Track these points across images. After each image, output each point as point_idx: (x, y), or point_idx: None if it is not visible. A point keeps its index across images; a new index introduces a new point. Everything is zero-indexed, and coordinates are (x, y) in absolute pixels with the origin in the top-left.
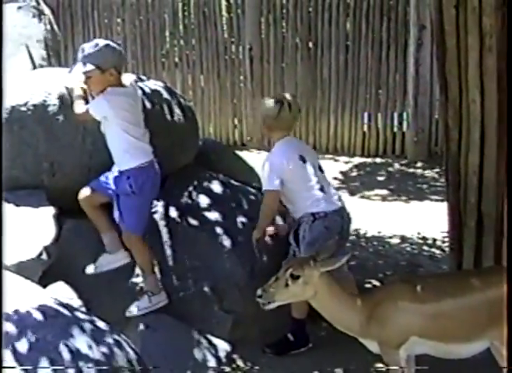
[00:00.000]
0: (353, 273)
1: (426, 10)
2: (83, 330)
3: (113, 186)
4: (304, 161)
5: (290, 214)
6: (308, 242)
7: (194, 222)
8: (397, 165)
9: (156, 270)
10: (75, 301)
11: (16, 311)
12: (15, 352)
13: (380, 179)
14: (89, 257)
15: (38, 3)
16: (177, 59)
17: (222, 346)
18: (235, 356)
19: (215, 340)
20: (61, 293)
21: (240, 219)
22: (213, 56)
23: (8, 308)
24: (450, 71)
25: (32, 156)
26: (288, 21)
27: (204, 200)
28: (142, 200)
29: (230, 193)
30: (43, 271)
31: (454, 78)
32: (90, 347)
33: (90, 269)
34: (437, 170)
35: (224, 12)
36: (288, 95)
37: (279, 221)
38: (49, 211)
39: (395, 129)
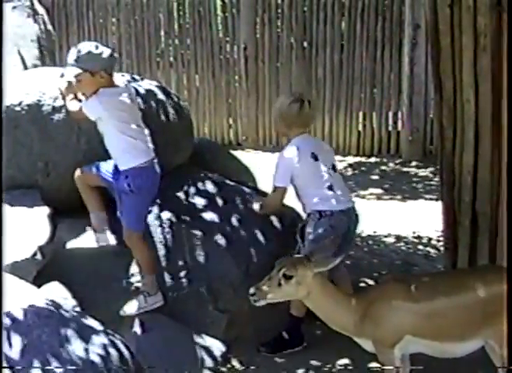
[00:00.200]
0: (348, 273)
1: (420, 10)
2: (78, 330)
3: (114, 183)
4: (316, 158)
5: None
6: (312, 240)
7: (188, 222)
8: (392, 165)
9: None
10: (70, 301)
11: (11, 311)
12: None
13: (375, 178)
14: (84, 257)
15: (32, 3)
16: (171, 59)
17: (217, 346)
18: (230, 355)
19: (210, 340)
20: (56, 293)
21: (235, 219)
22: (208, 55)
23: (3, 308)
24: (444, 70)
25: (26, 156)
26: (283, 21)
27: (198, 200)
28: (141, 198)
29: (225, 193)
30: (38, 271)
31: (449, 78)
32: (85, 347)
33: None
34: (432, 169)
35: (219, 12)
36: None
37: (275, 220)
38: (43, 211)
39: (390, 128)
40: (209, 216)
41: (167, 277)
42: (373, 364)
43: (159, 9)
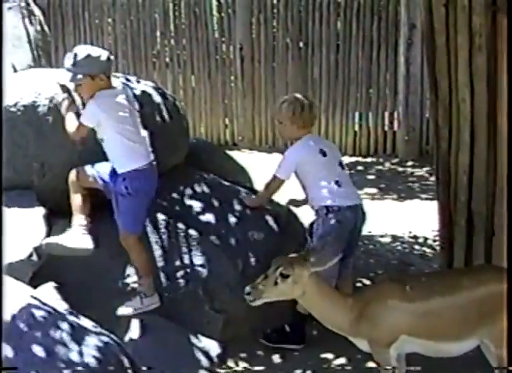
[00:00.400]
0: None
1: (416, 9)
2: (73, 331)
3: (112, 185)
4: (325, 155)
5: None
6: (320, 235)
7: (184, 222)
8: (388, 164)
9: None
10: (66, 302)
11: (6, 313)
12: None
13: (371, 178)
14: (79, 258)
15: (28, 4)
16: (167, 59)
17: (213, 346)
18: (226, 356)
19: (206, 340)
20: (52, 294)
21: (231, 219)
22: (204, 56)
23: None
24: (439, 70)
25: (22, 157)
26: (278, 21)
27: (194, 201)
28: (138, 201)
29: (221, 193)
30: (34, 272)
31: (444, 77)
32: (80, 348)
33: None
34: (428, 169)
35: (215, 12)
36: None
37: (270, 220)
38: (39, 212)
39: (386, 128)
40: (205, 216)
41: (163, 278)
42: (370, 364)
43: (155, 10)
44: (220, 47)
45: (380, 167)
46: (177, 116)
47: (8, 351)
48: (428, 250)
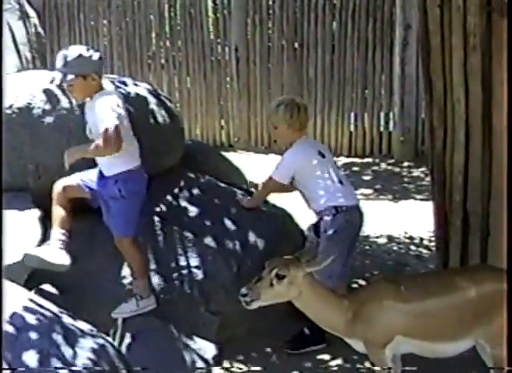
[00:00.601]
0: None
1: (411, 10)
2: (69, 333)
3: (100, 190)
4: (323, 156)
5: (312, 210)
6: (329, 236)
7: (179, 224)
8: (383, 165)
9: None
10: (61, 304)
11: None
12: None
13: (367, 178)
14: (76, 259)
15: (22, 5)
16: (163, 60)
17: (209, 348)
18: (222, 357)
19: (202, 342)
20: (47, 296)
21: (226, 220)
22: (199, 57)
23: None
24: (434, 70)
25: (17, 159)
26: (274, 22)
27: (189, 202)
28: (130, 203)
29: (216, 195)
30: (29, 274)
31: (439, 78)
32: (76, 351)
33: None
34: (424, 169)
35: (210, 13)
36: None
37: (266, 222)
38: (34, 214)
39: (382, 129)
40: (200, 218)
41: (159, 280)
42: (366, 365)
43: (150, 11)
44: (216, 48)
45: (375, 168)
46: (172, 118)
47: (3, 353)
48: (424, 251)
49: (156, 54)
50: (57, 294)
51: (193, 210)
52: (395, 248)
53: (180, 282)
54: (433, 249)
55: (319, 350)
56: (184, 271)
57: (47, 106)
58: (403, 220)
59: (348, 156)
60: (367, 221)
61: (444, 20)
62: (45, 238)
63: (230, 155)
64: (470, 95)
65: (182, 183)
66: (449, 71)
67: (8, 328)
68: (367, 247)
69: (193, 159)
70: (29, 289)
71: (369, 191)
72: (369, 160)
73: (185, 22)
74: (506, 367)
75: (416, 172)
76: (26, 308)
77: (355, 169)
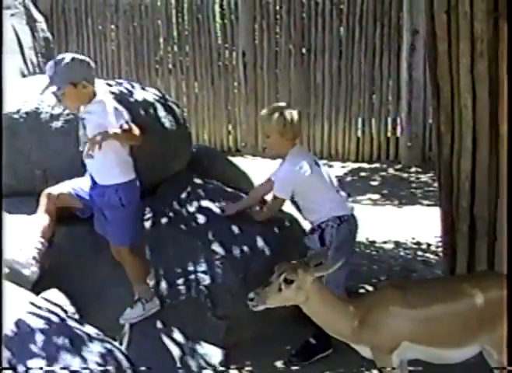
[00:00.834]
0: (346, 279)
1: (418, 15)
2: (75, 338)
3: (95, 200)
4: (318, 165)
5: (309, 221)
6: (336, 247)
7: (186, 229)
8: (391, 170)
9: (149, 278)
10: (68, 309)
11: (9, 319)
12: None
13: (374, 184)
14: (82, 264)
15: (29, 10)
16: (170, 65)
17: (216, 353)
18: (229, 362)
19: (209, 347)
20: (54, 301)
21: (233, 226)
22: (207, 62)
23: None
24: (441, 76)
25: (24, 163)
26: (281, 27)
27: (196, 207)
28: (129, 212)
29: (223, 200)
30: (37, 279)
31: (446, 84)
32: (82, 355)
33: None
34: (431, 175)
35: (218, 19)
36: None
37: (272, 227)
38: None
39: (389, 134)
40: (207, 223)
41: (166, 285)
42: (372, 371)
43: (158, 16)
44: (223, 54)
45: (383, 173)
46: (180, 123)
47: (10, 357)
48: (431, 256)
49: (163, 58)
50: (63, 299)
51: (199, 216)
52: (402, 253)
53: (187, 287)
54: (440, 254)
55: (325, 355)
56: (191, 276)
57: (55, 111)
58: (410, 225)
59: (355, 161)
60: (374, 227)
61: (451, 26)
62: (52, 243)
63: (237, 160)
64: (477, 101)
65: (189, 188)
66: (456, 77)
67: (15, 332)
68: (374, 252)
69: (200, 164)
70: (37, 294)
71: (376, 196)
72: (377, 165)
73: (193, 27)
74: (507, 367)
75: (424, 178)
76: (34, 313)
77: (363, 174)
